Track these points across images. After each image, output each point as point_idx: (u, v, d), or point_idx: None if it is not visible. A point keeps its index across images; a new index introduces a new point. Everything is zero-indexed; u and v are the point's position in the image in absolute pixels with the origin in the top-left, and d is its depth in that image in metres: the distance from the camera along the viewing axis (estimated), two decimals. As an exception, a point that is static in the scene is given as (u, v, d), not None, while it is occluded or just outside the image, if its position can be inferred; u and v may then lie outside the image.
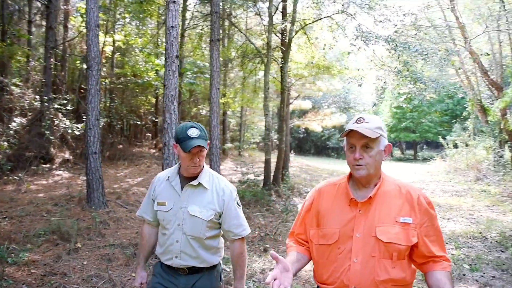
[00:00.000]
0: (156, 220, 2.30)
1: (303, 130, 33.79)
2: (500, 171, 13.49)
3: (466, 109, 18.25)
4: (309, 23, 11.07)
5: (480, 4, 15.46)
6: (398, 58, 7.97)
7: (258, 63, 13.30)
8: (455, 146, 18.26)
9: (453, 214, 8.87)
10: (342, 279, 1.67)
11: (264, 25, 10.88)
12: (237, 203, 2.29)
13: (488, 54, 12.42)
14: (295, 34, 10.77)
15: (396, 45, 7.59)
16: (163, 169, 5.08)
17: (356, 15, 9.04)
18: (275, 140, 27.43)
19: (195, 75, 15.14)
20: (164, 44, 15.56)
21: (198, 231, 2.15)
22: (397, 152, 41.59)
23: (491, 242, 6.53)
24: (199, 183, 2.18)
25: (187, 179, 2.21)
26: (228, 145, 20.04)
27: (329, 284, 1.73)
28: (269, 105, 10.34)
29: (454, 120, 31.73)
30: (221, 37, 10.83)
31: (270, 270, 5.20)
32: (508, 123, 13.39)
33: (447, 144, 18.75)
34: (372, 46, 8.04)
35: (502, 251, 6.04)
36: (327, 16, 9.77)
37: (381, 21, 8.98)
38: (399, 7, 8.24)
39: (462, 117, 20.58)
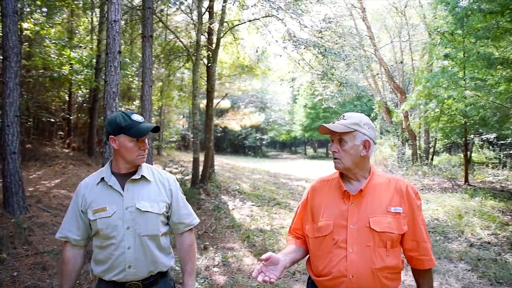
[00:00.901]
0: (85, 237, 2.02)
1: (221, 129, 34.00)
2: (404, 166, 15.10)
3: (374, 110, 20.04)
4: (237, 24, 11.24)
5: (386, 16, 17.16)
6: (327, 63, 8.52)
7: (182, 61, 13.13)
8: (364, 144, 19.88)
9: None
10: (339, 268, 1.74)
11: (194, 23, 10.76)
12: (182, 192, 2.18)
13: (401, 62, 13.81)
14: (224, 34, 10.86)
15: (326, 50, 8.13)
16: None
17: (285, 19, 9.41)
18: (191, 139, 27.34)
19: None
20: (78, 36, 14.58)
21: (154, 228, 1.97)
22: (310, 151, 43.96)
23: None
24: (142, 176, 2.00)
25: (125, 176, 2.00)
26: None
27: (325, 275, 1.79)
28: (197, 103, 10.29)
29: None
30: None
31: (214, 267, 5.26)
32: (410, 123, 15.05)
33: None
34: (301, 50, 8.50)
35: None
36: (256, 19, 10.03)
37: (306, 26, 9.51)
38: (325, 15, 8.83)
39: (370, 117, 22.51)
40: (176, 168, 11.25)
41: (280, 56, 9.02)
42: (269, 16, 9.56)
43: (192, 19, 11.01)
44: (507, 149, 13.60)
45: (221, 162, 24.02)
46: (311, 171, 19.72)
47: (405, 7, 15.09)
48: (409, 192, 1.84)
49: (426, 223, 7.52)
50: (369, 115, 23.65)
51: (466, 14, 8.51)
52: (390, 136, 17.60)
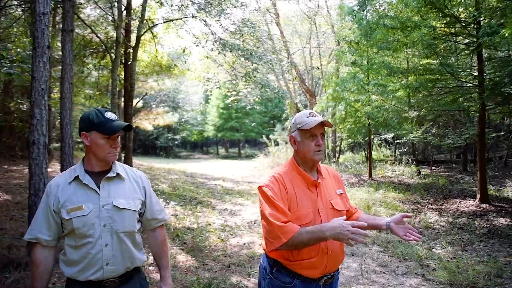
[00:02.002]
0: (56, 238, 1.99)
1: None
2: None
3: (286, 111, 21.10)
4: (158, 23, 11.10)
5: (296, 22, 18.23)
6: (251, 65, 8.88)
7: (97, 58, 12.51)
8: (277, 143, 20.90)
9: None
10: (322, 248, 1.97)
11: (114, 19, 10.36)
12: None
13: (318, 68, 14.78)
14: (144, 33, 10.65)
15: (251, 54, 8.48)
16: (31, 171, 4.51)
17: (207, 21, 9.57)
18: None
19: (14, 64, 13.09)
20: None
21: (130, 225, 2.01)
22: (222, 151, 44.37)
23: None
24: (117, 173, 2.03)
25: (99, 174, 2.01)
26: (55, 145, 17.90)
27: (309, 258, 1.97)
28: (116, 102, 9.95)
29: (272, 121, 36.11)
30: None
31: (149, 266, 5.25)
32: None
33: (270, 142, 21.28)
34: (227, 53, 8.74)
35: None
36: (179, 18, 10.03)
37: (227, 29, 9.78)
38: (248, 20, 9.19)
39: (281, 118, 23.65)
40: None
41: (207, 57, 9.18)
42: (192, 17, 9.64)
43: (109, 14, 10.59)
44: (402, 148, 15.47)
45: (134, 162, 23.09)
46: (226, 170, 20.06)
47: (315, 15, 16.23)
48: (338, 176, 2.29)
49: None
50: (280, 116, 24.93)
51: (371, 27, 9.51)
52: (301, 135, 18.68)
